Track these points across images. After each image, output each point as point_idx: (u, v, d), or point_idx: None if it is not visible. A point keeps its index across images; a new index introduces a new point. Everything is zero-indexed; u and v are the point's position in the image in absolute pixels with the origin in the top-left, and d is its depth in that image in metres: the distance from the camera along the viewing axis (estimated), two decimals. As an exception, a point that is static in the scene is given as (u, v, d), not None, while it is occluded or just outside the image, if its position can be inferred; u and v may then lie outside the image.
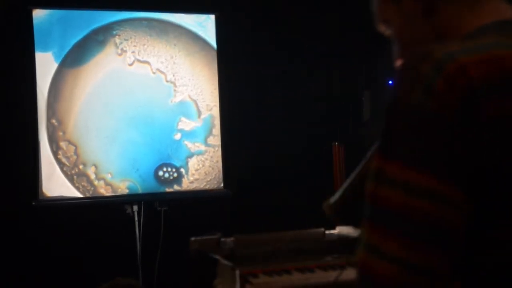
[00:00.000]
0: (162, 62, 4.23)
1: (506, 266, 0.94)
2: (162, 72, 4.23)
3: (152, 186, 4.14)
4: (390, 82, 4.85)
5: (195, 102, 4.28)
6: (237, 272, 2.30)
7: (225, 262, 2.37)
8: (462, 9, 1.08)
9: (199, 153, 4.27)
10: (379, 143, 0.99)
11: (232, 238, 2.62)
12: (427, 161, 0.93)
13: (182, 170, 4.22)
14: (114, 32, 4.16)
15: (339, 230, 2.76)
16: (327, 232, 2.75)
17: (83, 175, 4.03)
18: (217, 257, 2.44)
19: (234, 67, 4.45)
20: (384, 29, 1.19)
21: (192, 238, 2.60)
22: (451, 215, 0.93)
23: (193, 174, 4.24)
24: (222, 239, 2.60)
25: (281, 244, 2.65)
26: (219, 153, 4.28)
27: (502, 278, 0.95)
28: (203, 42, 4.34)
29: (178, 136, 4.23)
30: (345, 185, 1.38)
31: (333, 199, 1.42)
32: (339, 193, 1.40)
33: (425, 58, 0.94)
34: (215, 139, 4.30)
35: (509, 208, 0.94)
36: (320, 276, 2.51)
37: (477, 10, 1.07)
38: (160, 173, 4.16)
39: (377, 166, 0.97)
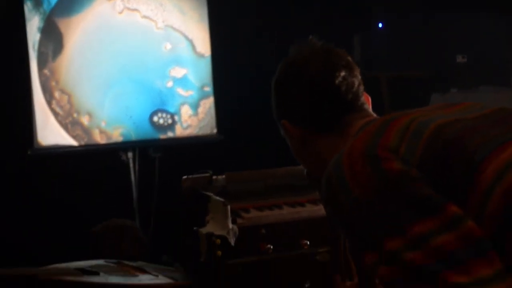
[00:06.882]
0: (152, 10, 4.22)
1: None
2: (152, 20, 4.22)
3: (146, 133, 4.18)
4: (381, 25, 4.86)
5: (186, 48, 4.28)
6: (228, 207, 2.35)
7: (217, 198, 2.42)
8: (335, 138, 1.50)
9: (192, 99, 4.29)
10: (359, 242, 1.21)
11: (223, 176, 2.68)
12: (412, 214, 1.12)
13: (176, 117, 4.25)
14: (103, -20, 4.15)
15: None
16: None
17: (77, 123, 4.06)
18: (209, 193, 2.49)
19: (226, 13, 4.44)
20: None
21: (184, 176, 2.65)
22: (471, 224, 1.09)
23: (186, 121, 4.28)
24: (214, 177, 2.65)
25: (272, 180, 2.70)
26: (212, 99, 4.31)
27: None
28: (193, -13, 4.33)
29: (170, 83, 4.25)
30: None
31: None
32: None
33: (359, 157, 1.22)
34: (207, 86, 4.32)
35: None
36: (310, 210, 2.56)
37: (347, 131, 1.47)
38: (155, 118, 4.19)
39: (384, 253, 1.13)
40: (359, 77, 1.56)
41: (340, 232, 1.54)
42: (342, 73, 1.51)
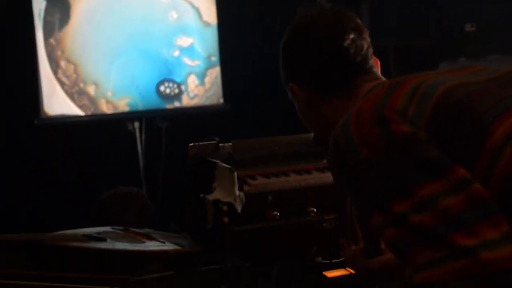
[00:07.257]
0: (157, -22, 4.20)
1: None
2: (158, -12, 4.20)
3: (152, 103, 4.17)
4: (389, -7, 4.80)
5: (193, 17, 4.26)
6: (235, 174, 2.34)
7: (224, 165, 2.41)
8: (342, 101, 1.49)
9: (198, 69, 4.27)
10: (366, 202, 1.18)
11: (230, 143, 2.67)
12: (420, 176, 1.10)
13: (182, 86, 4.24)
14: None
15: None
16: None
17: (83, 93, 4.06)
18: (216, 160, 2.48)
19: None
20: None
21: (191, 144, 2.64)
22: (479, 187, 1.07)
23: (192, 91, 4.27)
24: (220, 144, 2.64)
25: (279, 148, 2.69)
26: (218, 68, 4.29)
27: None
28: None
29: (177, 52, 4.23)
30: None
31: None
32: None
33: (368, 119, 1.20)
34: (214, 55, 4.30)
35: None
36: (317, 177, 2.55)
37: (356, 94, 1.46)
38: (162, 88, 4.18)
39: (391, 215, 1.11)
40: (368, 40, 1.55)
41: (347, 196, 1.52)
42: (351, 36, 1.50)
